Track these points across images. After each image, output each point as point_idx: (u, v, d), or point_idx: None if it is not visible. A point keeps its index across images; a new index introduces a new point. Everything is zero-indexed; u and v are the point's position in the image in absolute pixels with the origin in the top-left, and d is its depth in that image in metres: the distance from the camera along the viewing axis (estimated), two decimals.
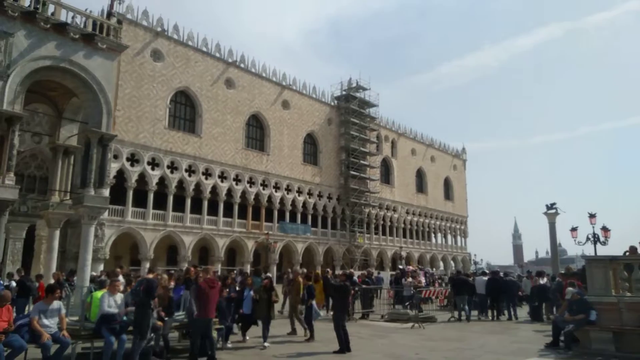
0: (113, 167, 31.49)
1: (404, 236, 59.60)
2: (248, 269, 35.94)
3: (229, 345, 10.66)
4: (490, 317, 17.82)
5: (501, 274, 20.05)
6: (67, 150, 25.90)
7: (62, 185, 25.48)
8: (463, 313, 16.96)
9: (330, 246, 49.14)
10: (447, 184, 69.52)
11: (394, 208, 58.40)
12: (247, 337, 11.20)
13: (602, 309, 10.13)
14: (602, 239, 25.35)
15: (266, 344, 10.31)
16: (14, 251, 25.91)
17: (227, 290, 11.36)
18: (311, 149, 49.60)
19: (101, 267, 27.20)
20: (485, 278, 18.73)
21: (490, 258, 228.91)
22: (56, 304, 8.15)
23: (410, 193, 61.51)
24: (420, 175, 64.49)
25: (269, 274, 16.43)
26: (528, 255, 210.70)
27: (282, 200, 44.83)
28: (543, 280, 17.99)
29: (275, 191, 44.26)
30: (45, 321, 7.83)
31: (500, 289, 17.82)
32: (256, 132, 44.13)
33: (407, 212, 60.49)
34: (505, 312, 18.03)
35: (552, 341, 11.04)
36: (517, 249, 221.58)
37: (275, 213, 44.19)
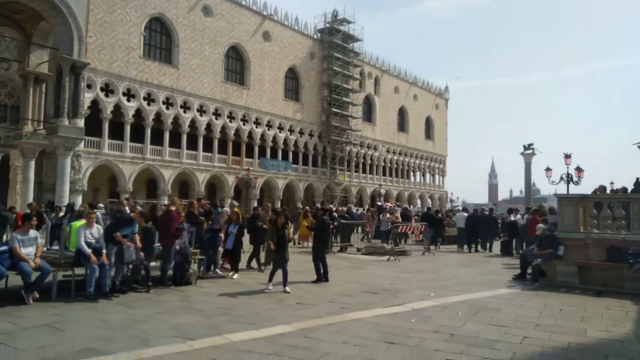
0: (87, 97, 30.39)
1: (384, 174, 60.33)
2: (228, 204, 36.14)
3: (210, 273, 10.91)
4: (468, 250, 19.25)
5: (484, 211, 21.53)
6: (37, 78, 24.85)
7: (35, 115, 24.68)
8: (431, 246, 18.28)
9: (310, 183, 49.54)
10: (429, 123, 69.65)
11: (375, 146, 58.59)
12: (236, 276, 11.19)
13: (570, 245, 10.59)
14: (575, 178, 26.11)
15: (288, 289, 9.04)
16: None
17: (210, 222, 11.44)
18: (293, 84, 48.58)
19: (79, 198, 26.97)
20: (465, 214, 20.37)
21: (466, 196, 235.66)
22: (32, 232, 8.08)
23: (391, 132, 61.54)
24: (402, 113, 64.26)
25: (283, 207, 16.24)
26: (502, 194, 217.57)
27: (262, 136, 44.42)
28: (516, 217, 18.68)
29: (256, 127, 43.71)
30: (24, 249, 7.80)
31: (480, 225, 19.18)
32: (236, 65, 42.78)
33: (388, 151, 60.84)
34: (487, 245, 19.50)
35: (520, 273, 11.61)
36: (493, 188, 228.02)
37: (256, 149, 43.92)
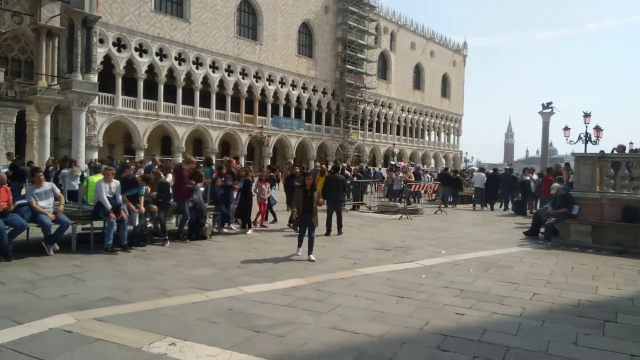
0: (99, 53, 30.18)
1: (398, 133, 59.77)
2: (242, 162, 36.36)
3: (224, 230, 11.11)
4: (489, 208, 19.70)
5: (503, 170, 22.09)
6: (50, 32, 24.66)
7: (49, 70, 24.66)
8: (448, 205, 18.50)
9: (323, 142, 49.35)
10: (445, 81, 68.17)
11: (389, 105, 57.78)
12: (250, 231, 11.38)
13: (585, 204, 10.50)
14: (593, 138, 25.59)
15: (313, 257, 8.07)
16: (6, 136, 25.74)
17: (223, 179, 11.53)
18: (306, 40, 47.56)
19: (95, 154, 27.30)
20: (483, 174, 20.73)
21: (481, 156, 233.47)
22: (47, 185, 8.22)
23: (406, 89, 60.46)
24: (418, 70, 62.87)
25: (317, 165, 15.87)
26: (518, 154, 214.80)
27: (275, 93, 43.98)
28: (534, 177, 18.54)
29: (269, 84, 43.22)
30: (41, 203, 7.96)
31: (499, 184, 19.55)
32: (248, 19, 41.85)
33: (402, 110, 60.00)
34: (506, 204, 19.76)
35: (530, 230, 11.62)
36: (508, 148, 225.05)
37: (269, 107, 43.61)
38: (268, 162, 41.27)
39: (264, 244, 9.70)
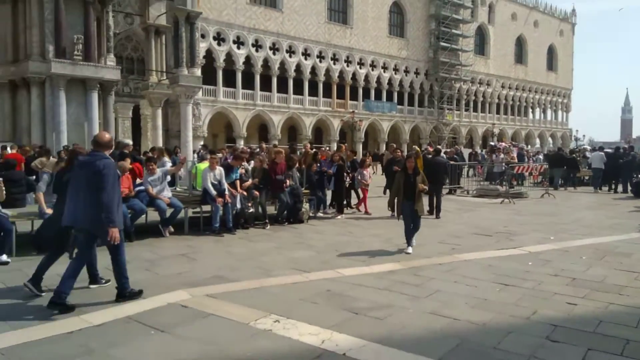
0: (202, 47, 32.08)
1: (498, 112, 56.47)
2: (335, 147, 36.80)
3: (320, 214, 11.36)
4: (608, 190, 18.12)
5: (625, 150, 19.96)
6: (158, 30, 26.70)
7: (158, 66, 26.80)
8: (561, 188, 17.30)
9: (416, 124, 48.18)
10: (551, 53, 62.78)
11: (488, 82, 54.68)
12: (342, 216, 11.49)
13: None
14: None
15: (410, 250, 7.33)
16: (124, 129, 28.54)
17: (318, 165, 11.77)
18: (397, 19, 46.44)
19: (201, 143, 29.27)
20: (602, 153, 18.63)
21: (594, 134, 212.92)
22: (158, 171, 8.98)
23: (507, 64, 56.71)
24: (520, 43, 58.59)
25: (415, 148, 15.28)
26: (638, 131, 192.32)
27: (366, 77, 43.66)
28: None
29: (360, 68, 42.99)
30: (156, 189, 8.74)
31: (619, 164, 17.74)
32: (338, 3, 41.80)
33: (503, 86, 56.47)
34: (620, 186, 18.00)
35: None
36: (626, 124, 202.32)
37: (360, 91, 43.45)
38: (360, 146, 41.32)
39: (359, 229, 9.78)
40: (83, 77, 19.14)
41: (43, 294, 5.01)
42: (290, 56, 38.36)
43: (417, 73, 47.78)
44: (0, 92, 20.08)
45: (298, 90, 39.26)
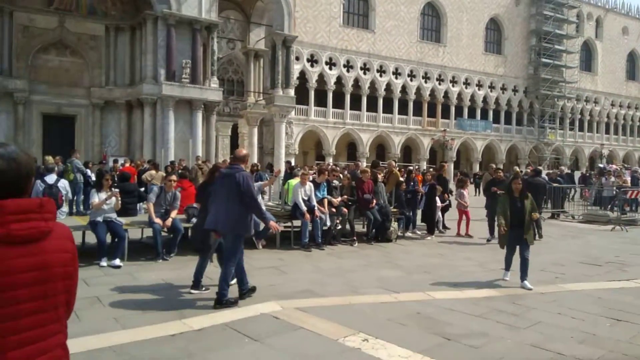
0: (296, 69, 33.35)
1: (607, 132, 51.81)
2: (424, 166, 36.06)
3: (409, 234, 11.13)
4: None
5: None
6: (257, 54, 28.30)
7: (256, 87, 28.31)
8: None
9: (514, 144, 45.71)
10: None
11: (595, 100, 50.52)
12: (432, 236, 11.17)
13: None
14: None
15: (528, 283, 6.49)
16: (223, 146, 30.37)
17: (411, 183, 11.59)
18: (494, 36, 44.77)
19: (292, 161, 30.22)
20: None
21: None
22: (256, 185, 9.39)
23: (617, 81, 52.05)
24: (632, 59, 53.61)
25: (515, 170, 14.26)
26: None
27: (459, 95, 42.44)
28: None
29: (452, 86, 41.92)
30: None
31: None
32: (432, 22, 41.33)
33: (613, 104, 51.83)
34: None
35: None
36: None
37: (453, 109, 42.29)
38: (452, 166, 40.05)
39: (451, 251, 9.43)
40: (189, 98, 20.75)
41: (194, 291, 5.74)
42: (380, 75, 38.51)
43: (515, 90, 45.53)
44: (118, 111, 22.41)
45: (387, 109, 39.18)
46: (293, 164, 25.49)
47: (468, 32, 42.28)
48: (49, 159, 12.31)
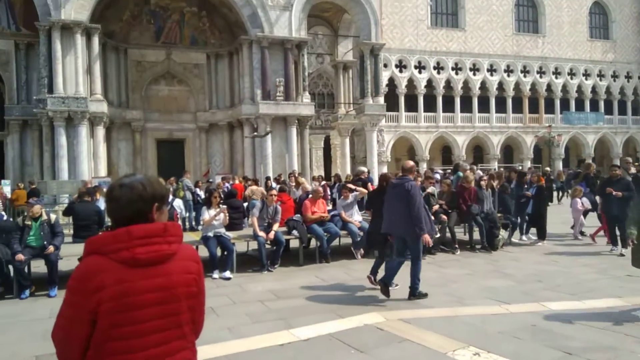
0: (384, 76, 33.21)
1: None
2: (528, 165, 33.85)
3: (515, 240, 10.49)
4: None
5: None
6: (345, 65, 28.74)
7: (346, 98, 28.71)
8: None
9: (631, 135, 41.20)
10: None
11: None
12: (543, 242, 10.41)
13: None
14: None
15: None
16: (316, 158, 31.13)
17: (512, 187, 10.98)
18: (599, 21, 40.91)
19: (385, 168, 30.06)
20: None
21: None
22: (351, 197, 9.47)
23: None
24: None
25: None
26: None
27: (564, 87, 39.25)
28: None
29: (556, 77, 38.91)
30: (349, 213, 9.25)
31: None
32: (527, 13, 38.84)
33: None
34: None
35: None
36: None
37: (557, 103, 39.21)
38: (560, 164, 37.10)
39: (565, 257, 8.72)
40: (284, 115, 21.59)
41: (397, 286, 6.36)
42: (474, 74, 36.93)
43: (629, 77, 41.11)
44: (221, 132, 23.98)
45: (483, 108, 37.41)
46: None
47: (569, 19, 39.12)
48: (162, 180, 13.50)
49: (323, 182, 16.19)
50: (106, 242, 1.65)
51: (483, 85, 37.28)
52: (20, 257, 6.59)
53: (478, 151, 40.06)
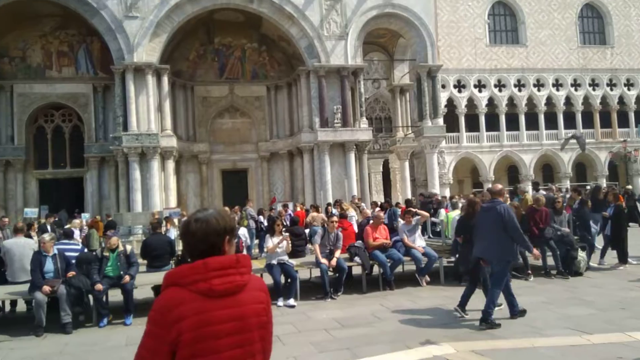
0: (442, 97, 32.74)
1: None
2: (604, 183, 31.74)
3: (593, 264, 9.77)
4: None
5: None
6: (402, 89, 28.69)
7: (403, 122, 28.54)
8: None
9: None
10: None
11: None
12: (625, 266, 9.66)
13: None
14: None
15: None
16: (375, 182, 30.96)
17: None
18: None
19: (447, 191, 29.31)
20: None
21: None
22: (413, 221, 9.28)
23: None
24: None
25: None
26: None
27: (638, 99, 36.76)
28: None
29: (628, 89, 36.55)
30: (411, 238, 9.05)
31: None
32: (593, 24, 37.07)
33: None
34: None
35: None
36: None
37: (631, 116, 36.69)
38: (638, 181, 34.48)
39: None
40: (342, 141, 21.79)
41: (467, 315, 6.19)
42: (538, 90, 35.51)
43: None
44: (282, 161, 24.58)
45: (551, 124, 35.74)
46: (448, 194, 24.73)
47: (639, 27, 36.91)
48: (227, 209, 13.97)
49: (377, 209, 16.03)
50: (184, 274, 1.73)
51: (549, 101, 35.77)
52: (99, 286, 7.00)
53: (547, 170, 38.16)
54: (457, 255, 8.52)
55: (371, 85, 36.30)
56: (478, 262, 6.32)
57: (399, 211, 12.14)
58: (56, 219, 15.73)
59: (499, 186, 6.29)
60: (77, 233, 11.64)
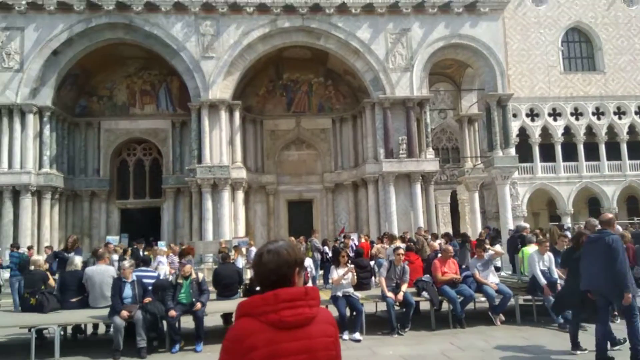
0: (514, 126, 31.54)
1: None
2: None
3: None
4: None
5: None
6: (470, 119, 28.06)
7: (472, 152, 27.74)
8: None
9: None
10: None
11: None
12: None
13: None
14: None
15: None
16: (443, 214, 30.08)
17: None
18: None
19: (521, 223, 27.86)
20: None
21: None
22: (486, 255, 8.85)
23: None
24: None
25: None
26: None
27: None
28: None
29: None
30: (483, 273, 8.64)
31: None
32: None
33: None
34: None
35: None
36: None
37: None
38: None
39: None
40: (408, 172, 21.50)
41: (578, 352, 6.11)
42: (619, 118, 33.28)
43: None
44: (346, 191, 24.65)
45: (634, 154, 33.20)
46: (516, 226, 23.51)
47: None
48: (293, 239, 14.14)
49: (439, 241, 15.48)
50: (256, 305, 1.78)
51: (632, 130, 33.42)
52: (172, 313, 7.29)
53: (633, 202, 35.30)
54: (558, 290, 7.94)
55: (437, 116, 35.77)
56: (583, 296, 6.01)
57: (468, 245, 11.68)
58: (143, 245, 16.37)
59: (609, 215, 6.01)
60: (163, 260, 12.15)
